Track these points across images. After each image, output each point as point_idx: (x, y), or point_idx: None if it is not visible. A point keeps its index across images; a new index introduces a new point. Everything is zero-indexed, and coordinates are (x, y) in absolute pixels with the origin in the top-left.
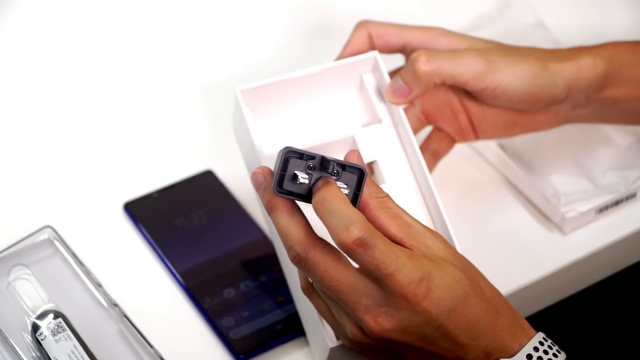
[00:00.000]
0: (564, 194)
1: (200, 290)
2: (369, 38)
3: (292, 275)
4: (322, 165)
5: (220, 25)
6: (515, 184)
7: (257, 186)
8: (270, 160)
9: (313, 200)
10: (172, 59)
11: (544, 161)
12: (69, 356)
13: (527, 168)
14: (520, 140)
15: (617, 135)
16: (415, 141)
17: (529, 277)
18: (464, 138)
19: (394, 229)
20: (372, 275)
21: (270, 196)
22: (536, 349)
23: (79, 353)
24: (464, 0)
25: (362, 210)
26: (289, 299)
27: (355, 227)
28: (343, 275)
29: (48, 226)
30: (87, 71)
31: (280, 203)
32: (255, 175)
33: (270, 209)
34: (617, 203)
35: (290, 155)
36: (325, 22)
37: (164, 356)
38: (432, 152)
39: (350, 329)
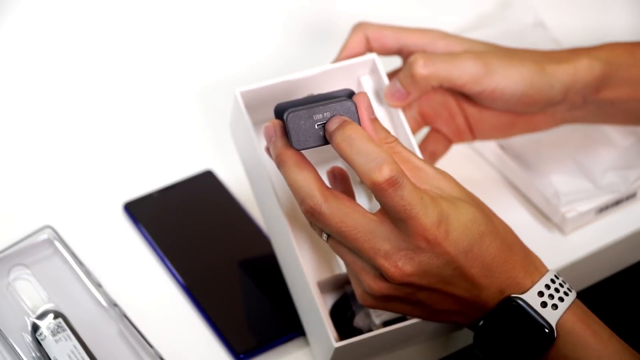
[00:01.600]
0: (564, 194)
1: (200, 290)
2: (365, 40)
3: (292, 275)
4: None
5: (219, 27)
6: (515, 183)
7: (268, 140)
8: (269, 160)
9: (336, 140)
10: (172, 59)
11: (544, 161)
12: (69, 356)
13: (527, 168)
14: (520, 140)
15: (617, 135)
16: (415, 143)
17: None
18: (461, 139)
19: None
20: (397, 216)
21: (279, 150)
22: (547, 287)
23: (79, 353)
24: (463, 0)
25: None
26: (289, 299)
27: (387, 167)
28: (360, 222)
29: (48, 226)
30: (87, 71)
31: (290, 157)
32: (267, 129)
33: (279, 163)
34: (617, 203)
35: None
36: (324, 24)
37: (164, 356)
38: (430, 153)
39: (367, 282)
